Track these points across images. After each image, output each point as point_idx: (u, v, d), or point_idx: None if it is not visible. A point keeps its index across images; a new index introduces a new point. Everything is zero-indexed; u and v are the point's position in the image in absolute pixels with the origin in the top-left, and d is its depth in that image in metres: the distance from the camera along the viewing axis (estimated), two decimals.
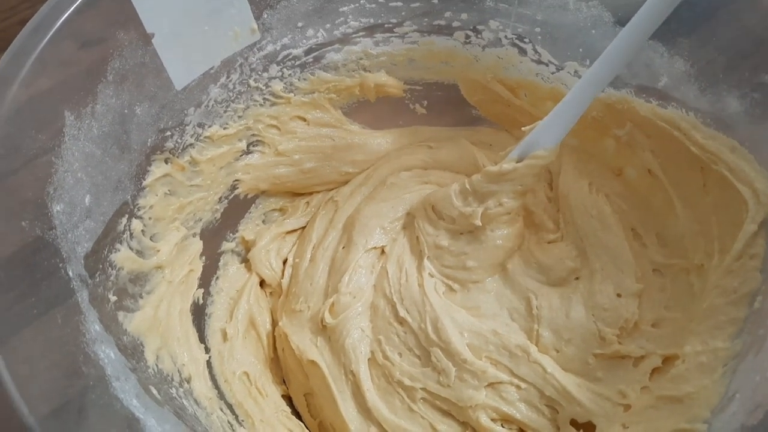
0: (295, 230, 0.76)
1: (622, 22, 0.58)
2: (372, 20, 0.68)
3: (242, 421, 0.59)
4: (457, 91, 0.75)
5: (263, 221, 0.76)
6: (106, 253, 0.52)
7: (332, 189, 0.77)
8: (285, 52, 0.66)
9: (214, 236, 0.69)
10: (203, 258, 0.66)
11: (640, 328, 0.58)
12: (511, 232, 0.64)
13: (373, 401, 0.60)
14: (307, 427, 0.64)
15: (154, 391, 0.49)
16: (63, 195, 0.47)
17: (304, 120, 0.73)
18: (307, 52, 0.68)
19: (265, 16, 0.62)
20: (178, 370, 0.55)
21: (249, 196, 0.73)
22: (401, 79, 0.74)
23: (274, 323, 0.70)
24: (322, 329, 0.64)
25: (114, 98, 0.51)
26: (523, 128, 0.60)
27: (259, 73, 0.65)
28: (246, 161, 0.70)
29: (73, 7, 0.48)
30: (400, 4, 0.67)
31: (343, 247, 0.69)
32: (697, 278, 0.56)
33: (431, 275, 0.65)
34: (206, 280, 0.67)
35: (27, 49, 0.46)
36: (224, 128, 0.65)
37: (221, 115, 0.64)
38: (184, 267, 0.62)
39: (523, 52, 0.67)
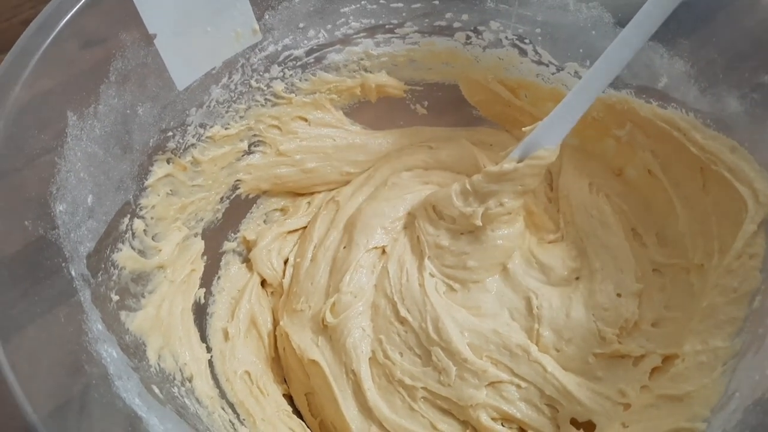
0: (296, 230, 0.76)
1: (622, 23, 0.58)
2: (373, 21, 0.68)
3: (243, 420, 0.59)
4: (458, 92, 0.75)
5: (264, 221, 0.76)
6: (108, 252, 0.52)
7: (333, 189, 0.77)
8: (286, 53, 0.66)
9: (215, 236, 0.69)
10: (205, 258, 0.66)
11: (640, 328, 0.59)
12: (511, 232, 0.64)
13: (374, 400, 0.60)
14: (308, 426, 0.64)
15: (156, 390, 0.49)
16: (66, 195, 0.47)
17: (306, 120, 0.73)
18: (309, 53, 0.68)
19: (267, 16, 0.62)
20: (180, 369, 0.56)
21: (250, 196, 0.73)
22: (402, 80, 0.74)
23: (276, 323, 0.70)
24: (323, 329, 0.65)
25: (116, 98, 0.52)
26: (523, 128, 0.60)
27: (261, 73, 0.66)
28: (247, 161, 0.70)
29: (75, 8, 0.48)
30: (401, 5, 0.67)
31: (344, 247, 0.69)
32: (697, 278, 0.56)
33: (432, 275, 0.65)
34: (208, 279, 0.68)
35: (30, 49, 0.46)
36: (226, 128, 0.65)
37: (223, 115, 0.64)
38: (185, 267, 0.62)
39: (523, 52, 0.67)
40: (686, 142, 0.56)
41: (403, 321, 0.63)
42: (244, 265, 0.73)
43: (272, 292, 0.73)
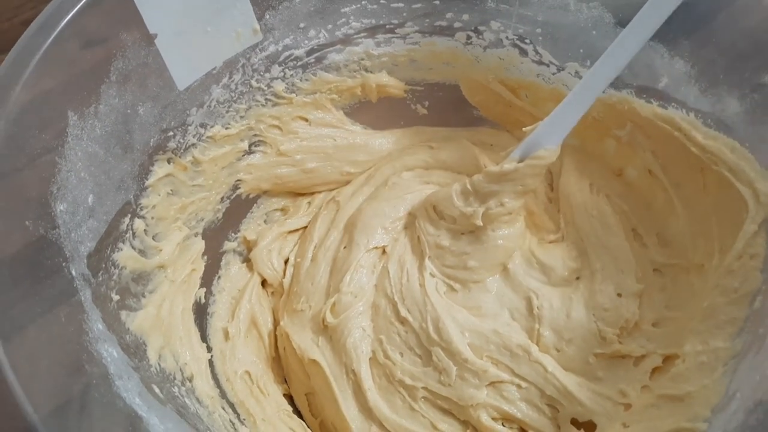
0: (296, 230, 0.76)
1: (622, 23, 0.58)
2: (373, 21, 0.68)
3: (244, 420, 0.59)
4: (459, 92, 0.75)
5: (265, 221, 0.76)
6: (108, 252, 0.52)
7: (334, 189, 0.77)
8: (287, 53, 0.66)
9: (216, 236, 0.69)
10: (205, 257, 0.66)
11: (641, 328, 0.59)
12: (512, 232, 0.64)
13: (374, 400, 0.60)
14: (308, 426, 0.64)
15: (157, 390, 0.49)
16: (66, 194, 0.47)
17: (306, 120, 0.73)
18: (309, 53, 0.68)
19: (267, 16, 0.62)
20: (180, 369, 0.56)
21: (251, 196, 0.73)
22: (403, 80, 0.74)
23: (276, 323, 0.70)
24: (324, 329, 0.65)
25: (117, 98, 0.52)
26: (524, 129, 0.60)
27: (261, 73, 0.66)
28: (248, 161, 0.70)
29: (76, 8, 0.48)
30: (401, 5, 0.67)
31: (345, 247, 0.69)
32: (698, 278, 0.56)
33: (432, 275, 0.65)
34: (208, 279, 0.68)
35: (30, 49, 0.46)
36: (226, 128, 0.65)
37: (223, 115, 0.64)
38: (186, 266, 0.62)
39: (524, 52, 0.67)
40: (687, 142, 0.56)
41: (403, 321, 0.63)
42: (245, 265, 0.73)
43: (272, 292, 0.73)
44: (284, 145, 0.72)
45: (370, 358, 0.62)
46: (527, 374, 0.58)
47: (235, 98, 0.65)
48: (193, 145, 0.62)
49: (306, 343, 0.64)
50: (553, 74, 0.67)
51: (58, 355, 0.43)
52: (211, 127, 0.64)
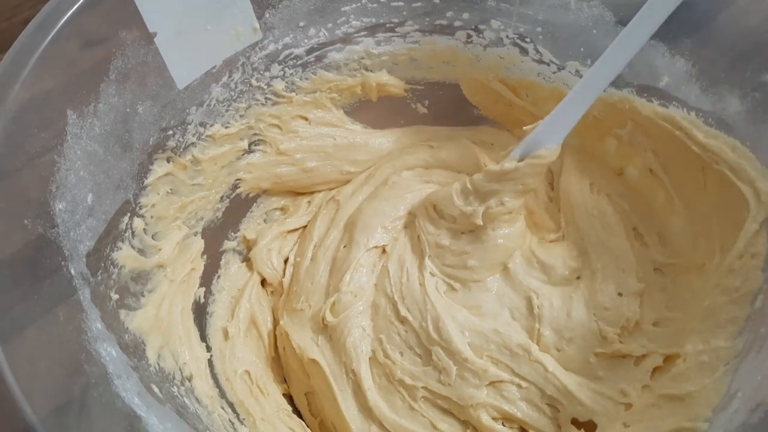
0: (296, 229, 0.76)
1: (623, 21, 0.58)
2: (374, 20, 0.68)
3: (243, 419, 0.59)
4: (459, 91, 0.75)
5: (265, 220, 0.76)
6: (107, 251, 0.52)
7: (334, 188, 0.77)
8: (287, 52, 0.66)
9: (215, 235, 0.69)
10: (205, 257, 0.66)
11: (642, 327, 0.58)
12: (512, 232, 0.64)
13: (374, 400, 0.60)
14: (308, 426, 0.64)
15: (156, 390, 0.49)
16: (65, 193, 0.47)
17: (306, 119, 0.73)
18: (309, 52, 0.68)
19: (267, 15, 0.62)
20: (180, 369, 0.55)
21: (250, 195, 0.73)
22: (403, 79, 0.74)
23: (276, 322, 0.70)
24: (323, 328, 0.64)
25: (116, 97, 0.52)
26: (524, 128, 0.60)
27: (261, 72, 0.66)
28: (248, 160, 0.70)
29: (75, 6, 0.48)
30: (401, 3, 0.67)
31: (345, 246, 0.69)
32: (699, 277, 0.56)
33: (432, 274, 0.65)
34: (208, 278, 0.67)
35: (30, 48, 0.46)
36: (226, 127, 0.65)
37: (223, 114, 0.64)
38: (185, 266, 0.62)
39: (524, 51, 0.67)
40: (687, 141, 0.56)
41: (403, 320, 0.63)
42: (244, 264, 0.73)
43: (272, 292, 0.73)
44: (284, 144, 0.72)
45: (369, 358, 0.62)
46: (527, 374, 0.58)
47: (234, 97, 0.65)
48: (193, 144, 0.62)
49: (306, 342, 0.64)
50: (554, 73, 0.67)
51: (56, 355, 0.43)
52: (211, 126, 0.63)
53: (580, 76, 0.64)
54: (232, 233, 0.73)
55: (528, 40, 0.66)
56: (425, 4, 0.67)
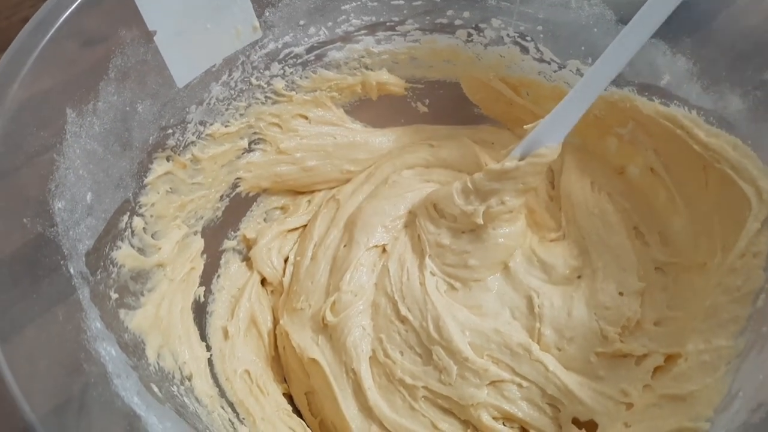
0: (296, 228, 0.76)
1: (624, 20, 0.57)
2: (374, 18, 0.67)
3: (243, 419, 0.59)
4: (459, 90, 0.75)
5: (265, 219, 0.76)
6: (107, 250, 0.52)
7: (334, 187, 0.77)
8: (287, 50, 0.66)
9: (215, 234, 0.69)
10: (204, 256, 0.66)
11: (643, 327, 0.58)
12: (513, 231, 0.64)
13: (374, 400, 0.60)
14: (308, 426, 0.64)
15: (155, 389, 0.49)
16: (64, 192, 0.47)
17: (306, 118, 0.73)
18: (309, 50, 0.68)
19: (267, 14, 0.62)
20: (179, 368, 0.55)
21: (250, 194, 0.73)
22: (403, 78, 0.74)
23: (275, 321, 0.70)
24: (323, 327, 0.64)
25: (116, 96, 0.51)
26: (525, 126, 0.59)
27: (261, 71, 0.65)
28: (247, 159, 0.70)
29: (75, 5, 0.48)
30: (402, 2, 0.66)
31: (345, 246, 0.69)
32: (700, 276, 0.56)
33: (433, 273, 0.65)
34: (207, 278, 0.67)
35: (29, 46, 0.46)
36: (226, 126, 0.65)
37: (223, 113, 0.64)
38: (185, 265, 0.62)
39: (525, 50, 0.67)
40: (689, 140, 0.56)
41: (403, 320, 0.63)
42: (244, 263, 0.73)
43: (272, 291, 0.73)
44: (284, 143, 0.72)
45: (370, 357, 0.62)
46: (528, 373, 0.58)
47: (234, 96, 0.64)
48: (193, 142, 0.62)
49: (306, 342, 0.64)
50: (555, 72, 0.66)
51: (56, 354, 0.43)
52: (211, 124, 0.63)
53: (581, 75, 0.64)
54: (232, 232, 0.72)
55: (529, 38, 0.66)
56: (426, 3, 0.66)
